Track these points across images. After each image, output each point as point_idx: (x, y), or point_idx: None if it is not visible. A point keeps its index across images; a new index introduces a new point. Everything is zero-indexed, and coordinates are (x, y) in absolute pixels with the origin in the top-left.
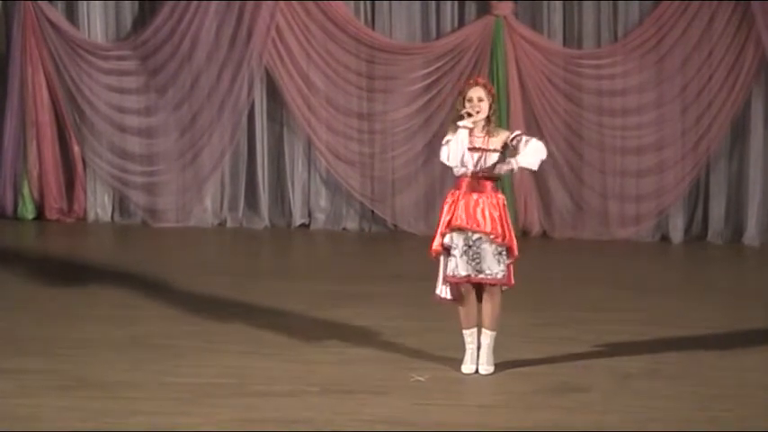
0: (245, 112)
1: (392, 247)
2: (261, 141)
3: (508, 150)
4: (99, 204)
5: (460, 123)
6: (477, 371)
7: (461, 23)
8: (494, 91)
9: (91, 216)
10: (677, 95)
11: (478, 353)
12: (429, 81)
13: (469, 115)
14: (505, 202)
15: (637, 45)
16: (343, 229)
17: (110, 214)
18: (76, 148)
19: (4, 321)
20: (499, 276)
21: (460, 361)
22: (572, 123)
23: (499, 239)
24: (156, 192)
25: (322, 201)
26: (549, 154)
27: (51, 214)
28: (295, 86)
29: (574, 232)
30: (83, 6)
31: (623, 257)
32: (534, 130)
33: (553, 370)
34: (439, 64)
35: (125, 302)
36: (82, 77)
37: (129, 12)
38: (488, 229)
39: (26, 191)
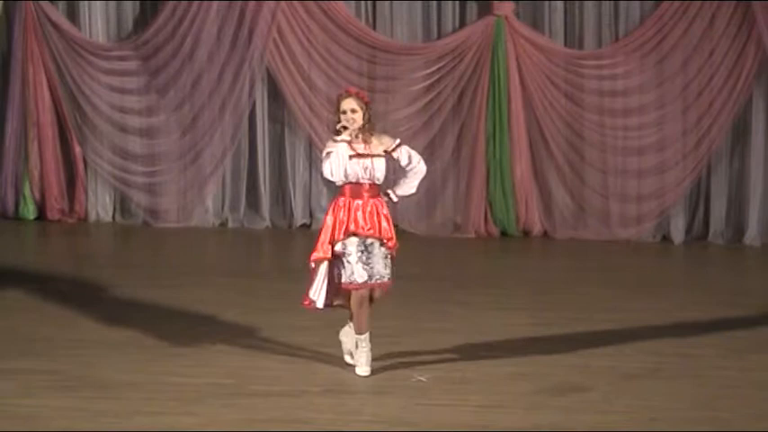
0: (247, 113)
1: None
2: (262, 141)
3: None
4: (100, 204)
5: (338, 138)
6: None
7: (462, 24)
8: (367, 99)
9: (92, 216)
10: (678, 96)
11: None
12: (430, 81)
13: (345, 128)
14: (383, 202)
15: (638, 45)
16: None
17: (111, 214)
18: (78, 149)
19: (4, 321)
20: (386, 279)
21: (459, 361)
22: (573, 123)
23: (390, 242)
24: (157, 192)
25: (323, 201)
26: (551, 154)
27: (52, 214)
28: (296, 87)
29: (575, 232)
30: (84, 6)
31: (624, 257)
32: (535, 130)
33: (553, 370)
34: (440, 64)
35: (125, 302)
36: (83, 78)
37: (130, 12)
38: (382, 233)
39: (27, 191)
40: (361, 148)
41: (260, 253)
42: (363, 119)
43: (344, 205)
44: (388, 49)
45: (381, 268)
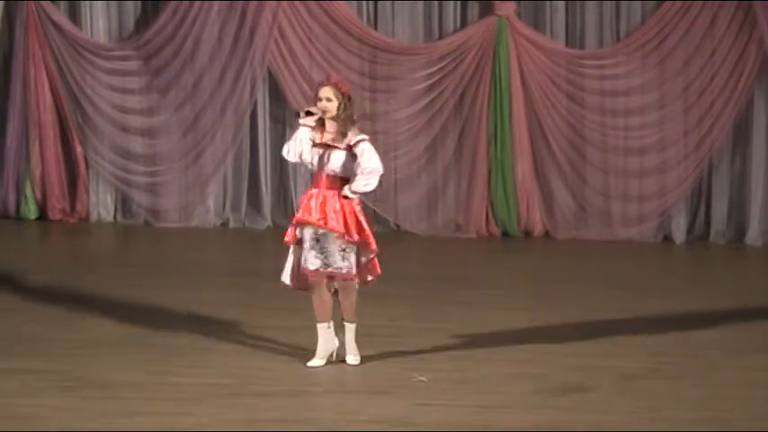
0: (248, 113)
1: (394, 247)
2: (263, 141)
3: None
4: (101, 204)
5: (301, 121)
6: (328, 362)
7: (464, 24)
8: (346, 90)
9: (93, 216)
10: (680, 96)
11: (345, 346)
12: (431, 81)
13: (310, 114)
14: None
15: (639, 45)
16: None
17: (112, 214)
18: (79, 149)
19: (4, 321)
20: (344, 272)
21: (459, 361)
22: (574, 123)
23: (343, 237)
24: (158, 192)
25: None
26: (552, 154)
27: (54, 214)
28: (297, 86)
29: (576, 232)
30: (85, 6)
31: (626, 258)
32: (537, 130)
33: (553, 370)
34: (441, 64)
35: (126, 302)
36: (85, 78)
37: (131, 12)
38: (331, 225)
39: (29, 191)
40: (326, 138)
41: (261, 253)
42: (338, 109)
43: (306, 192)
44: (389, 49)
45: (338, 260)
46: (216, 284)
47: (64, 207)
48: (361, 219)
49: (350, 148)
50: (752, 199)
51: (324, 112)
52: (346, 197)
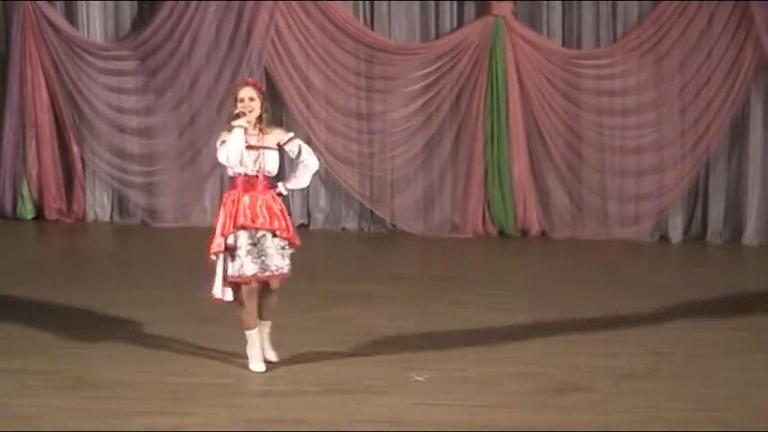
0: None
1: (391, 247)
2: None
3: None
4: (98, 204)
5: (235, 123)
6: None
7: (460, 23)
8: (264, 89)
9: (90, 216)
10: (676, 95)
11: (264, 344)
12: (428, 81)
13: (243, 114)
14: (276, 195)
15: (636, 45)
16: (343, 229)
17: (109, 214)
18: (75, 148)
19: (4, 321)
20: (285, 270)
21: (458, 361)
22: (571, 123)
23: (285, 233)
24: (155, 192)
25: (321, 201)
26: (549, 154)
27: (50, 214)
28: (294, 86)
29: (573, 232)
30: (82, 6)
31: (622, 257)
32: (533, 130)
33: (553, 370)
34: (438, 64)
35: (124, 302)
36: (81, 77)
37: (128, 12)
38: (275, 225)
39: (25, 191)
40: (254, 139)
41: None
42: (261, 108)
43: (236, 198)
44: (385, 49)
45: (278, 260)
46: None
47: (61, 207)
48: (287, 214)
49: (280, 147)
50: (749, 199)
51: (249, 112)
52: (280, 194)
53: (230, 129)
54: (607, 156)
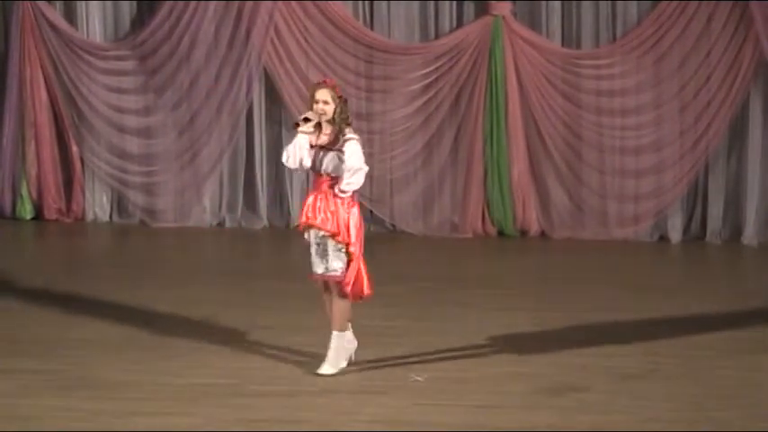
0: (244, 113)
1: (391, 247)
2: (259, 141)
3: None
4: (97, 204)
5: (300, 129)
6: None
7: (460, 24)
8: (341, 93)
9: (89, 216)
10: (675, 95)
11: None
12: (428, 81)
13: (307, 120)
14: (347, 203)
15: (635, 45)
16: None
17: (108, 214)
18: (75, 148)
19: (4, 321)
20: (338, 273)
21: (457, 361)
22: (570, 123)
23: (339, 237)
24: (154, 192)
25: None
26: (548, 154)
27: (50, 214)
28: (294, 86)
29: (572, 232)
30: (81, 6)
31: (622, 257)
32: (533, 129)
33: (551, 370)
34: (437, 64)
35: (124, 302)
36: (80, 77)
37: (127, 12)
38: (327, 226)
39: (24, 191)
40: (321, 140)
41: (258, 253)
42: (334, 112)
43: (308, 195)
44: (385, 49)
45: (334, 262)
46: (212, 284)
47: (60, 207)
48: (351, 223)
49: (340, 149)
50: (748, 198)
51: (321, 114)
52: (336, 195)
53: (297, 131)
54: (606, 156)
